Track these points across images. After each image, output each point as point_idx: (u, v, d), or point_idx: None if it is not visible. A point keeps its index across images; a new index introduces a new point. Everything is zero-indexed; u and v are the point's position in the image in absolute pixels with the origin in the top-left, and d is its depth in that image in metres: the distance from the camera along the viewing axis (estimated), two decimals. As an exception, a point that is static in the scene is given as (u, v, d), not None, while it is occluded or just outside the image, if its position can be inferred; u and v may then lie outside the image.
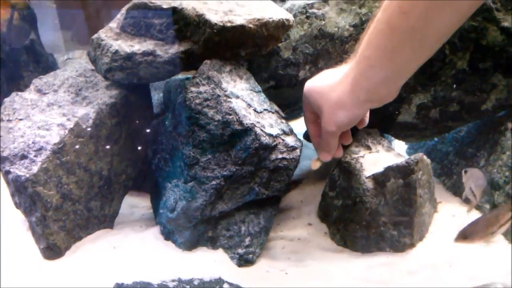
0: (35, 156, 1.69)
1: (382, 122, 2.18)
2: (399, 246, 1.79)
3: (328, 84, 1.45)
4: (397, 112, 2.12)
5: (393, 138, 2.40)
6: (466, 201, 2.05)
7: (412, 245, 1.80)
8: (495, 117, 2.14)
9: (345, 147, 1.86)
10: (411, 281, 1.63)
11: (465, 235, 1.57)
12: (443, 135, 2.36)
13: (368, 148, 2.00)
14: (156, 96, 2.40)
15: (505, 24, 1.90)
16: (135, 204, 2.23)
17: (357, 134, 2.08)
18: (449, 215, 2.03)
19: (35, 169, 1.67)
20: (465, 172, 1.86)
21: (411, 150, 2.69)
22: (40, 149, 1.70)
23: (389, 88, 1.28)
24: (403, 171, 1.75)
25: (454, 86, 2.01)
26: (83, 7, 2.87)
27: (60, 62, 2.59)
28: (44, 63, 2.49)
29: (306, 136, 2.55)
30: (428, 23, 1.06)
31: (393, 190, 1.77)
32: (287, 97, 2.21)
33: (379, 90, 1.29)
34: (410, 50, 1.15)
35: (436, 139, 2.47)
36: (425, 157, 1.84)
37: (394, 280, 1.65)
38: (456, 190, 2.21)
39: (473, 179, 1.83)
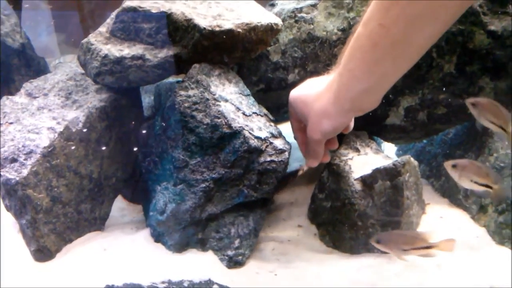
0: (25, 159, 1.70)
1: (371, 125, 2.20)
2: (387, 247, 1.81)
3: (312, 93, 1.49)
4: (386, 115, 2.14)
5: (382, 140, 2.42)
6: (467, 198, 2.05)
7: (399, 247, 1.82)
8: (483, 120, 2.16)
9: (333, 151, 1.88)
10: (399, 283, 1.65)
11: (379, 240, 1.58)
12: (432, 137, 2.39)
13: (357, 150, 2.02)
14: (147, 99, 2.41)
15: (492, 27, 1.93)
16: (125, 206, 2.24)
17: (346, 137, 2.10)
18: (437, 216, 2.06)
19: (25, 172, 1.68)
20: (454, 166, 1.68)
21: (400, 152, 2.72)
22: (30, 152, 1.71)
23: (371, 98, 1.33)
24: (390, 173, 1.77)
25: (444, 89, 2.03)
26: (79, 9, 2.87)
27: (52, 66, 2.60)
28: (35, 67, 2.49)
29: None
30: (409, 37, 1.09)
31: (380, 192, 1.79)
32: (277, 100, 2.22)
33: (362, 100, 1.33)
34: (391, 63, 1.18)
35: (424, 141, 2.49)
36: (412, 159, 1.87)
37: (382, 281, 1.67)
38: (445, 191, 2.23)
39: (469, 169, 1.75)
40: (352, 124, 1.59)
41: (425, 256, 1.57)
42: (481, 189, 1.65)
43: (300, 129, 1.66)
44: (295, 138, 1.71)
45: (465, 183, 1.66)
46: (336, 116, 1.40)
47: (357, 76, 1.25)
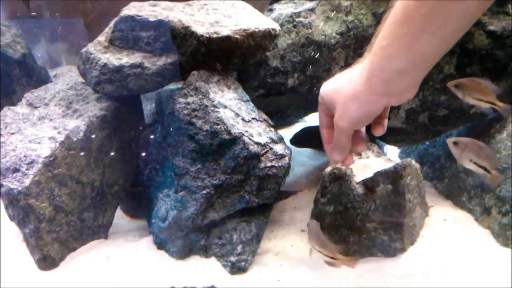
0: (27, 169, 1.71)
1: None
2: (390, 251, 1.81)
3: (343, 79, 1.36)
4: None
5: (384, 143, 2.42)
6: (470, 199, 2.04)
7: (403, 250, 1.81)
8: (485, 120, 2.15)
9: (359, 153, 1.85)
10: (402, 286, 1.64)
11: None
12: (434, 139, 2.38)
13: (358, 154, 2.01)
14: (149, 107, 2.42)
15: (491, 27, 1.92)
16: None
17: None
18: (440, 219, 2.04)
19: (27, 182, 1.69)
20: (455, 143, 1.64)
21: (403, 154, 2.70)
22: (32, 162, 1.72)
23: (407, 81, 1.20)
24: (392, 177, 1.77)
25: (444, 90, 2.02)
26: (84, 17, 2.90)
27: (53, 76, 2.62)
28: (36, 77, 2.51)
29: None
30: (444, 11, 1.04)
31: (382, 196, 1.78)
32: (277, 105, 2.23)
33: (396, 82, 1.19)
34: (427, 41, 1.11)
35: (427, 143, 2.48)
36: (413, 162, 1.86)
37: (385, 285, 1.66)
38: (448, 193, 2.22)
39: (470, 149, 1.70)
40: (385, 124, 1.44)
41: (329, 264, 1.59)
42: (480, 171, 1.61)
43: (329, 126, 1.52)
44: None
45: (465, 162, 1.61)
46: (366, 100, 1.26)
47: (390, 55, 1.14)
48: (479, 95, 1.63)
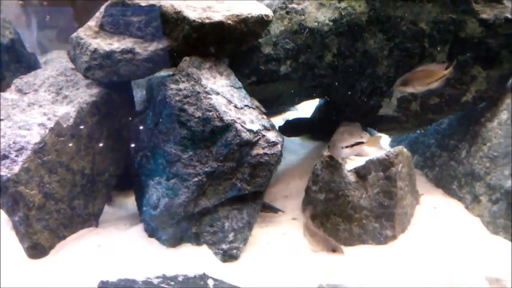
0: (16, 156, 1.69)
1: (364, 116, 2.19)
2: (381, 238, 1.81)
3: None
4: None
5: (375, 131, 2.42)
6: (461, 187, 2.09)
7: (394, 237, 1.82)
8: (476, 109, 2.16)
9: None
10: (393, 274, 1.65)
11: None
12: (425, 127, 2.38)
13: (350, 141, 2.01)
14: (140, 94, 2.40)
15: (484, 16, 1.92)
16: (119, 202, 2.23)
17: (338, 128, 2.09)
18: (431, 206, 2.06)
19: (16, 169, 1.67)
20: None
21: (394, 142, 2.71)
22: (21, 149, 1.70)
23: None
24: (383, 164, 1.77)
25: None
26: (72, 5, 2.86)
27: (43, 62, 2.57)
28: (26, 63, 2.47)
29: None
30: None
31: (374, 183, 1.79)
32: (269, 93, 2.22)
33: None
34: None
35: (418, 131, 2.48)
36: (405, 149, 1.86)
37: (376, 272, 1.66)
38: (439, 181, 2.23)
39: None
40: None
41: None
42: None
43: None
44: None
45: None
46: None
47: None
48: (428, 79, 1.70)
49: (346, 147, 1.79)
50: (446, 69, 1.75)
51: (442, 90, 2.03)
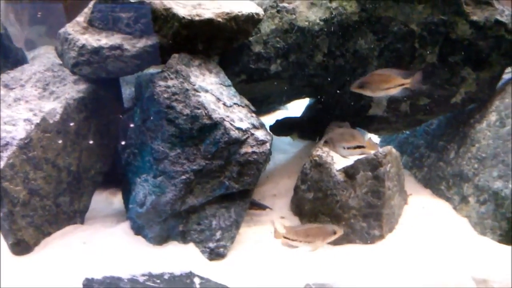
0: (1, 151, 1.67)
1: (354, 116, 2.19)
2: (369, 238, 1.82)
3: None
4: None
5: (365, 131, 2.42)
6: (449, 188, 2.09)
7: (381, 237, 1.82)
8: (465, 110, 2.16)
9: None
10: (380, 273, 1.65)
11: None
12: (414, 128, 2.39)
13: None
14: (128, 91, 2.38)
15: (474, 17, 1.92)
16: (106, 199, 2.21)
17: (328, 128, 2.09)
18: (419, 207, 2.06)
19: (1, 164, 1.64)
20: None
21: (383, 143, 2.71)
22: (6, 144, 1.68)
23: None
24: (372, 164, 1.77)
25: (426, 79, 2.03)
26: (63, 1, 2.84)
27: (31, 58, 2.54)
28: (13, 58, 2.44)
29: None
30: None
31: (362, 183, 1.79)
32: (259, 91, 2.21)
33: None
34: None
35: (407, 132, 2.49)
36: (394, 150, 1.86)
37: (363, 272, 1.66)
38: (427, 182, 2.24)
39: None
40: None
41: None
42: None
43: None
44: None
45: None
46: None
47: None
48: (386, 84, 1.70)
49: (349, 148, 1.82)
50: (409, 77, 1.74)
51: (432, 91, 2.04)
